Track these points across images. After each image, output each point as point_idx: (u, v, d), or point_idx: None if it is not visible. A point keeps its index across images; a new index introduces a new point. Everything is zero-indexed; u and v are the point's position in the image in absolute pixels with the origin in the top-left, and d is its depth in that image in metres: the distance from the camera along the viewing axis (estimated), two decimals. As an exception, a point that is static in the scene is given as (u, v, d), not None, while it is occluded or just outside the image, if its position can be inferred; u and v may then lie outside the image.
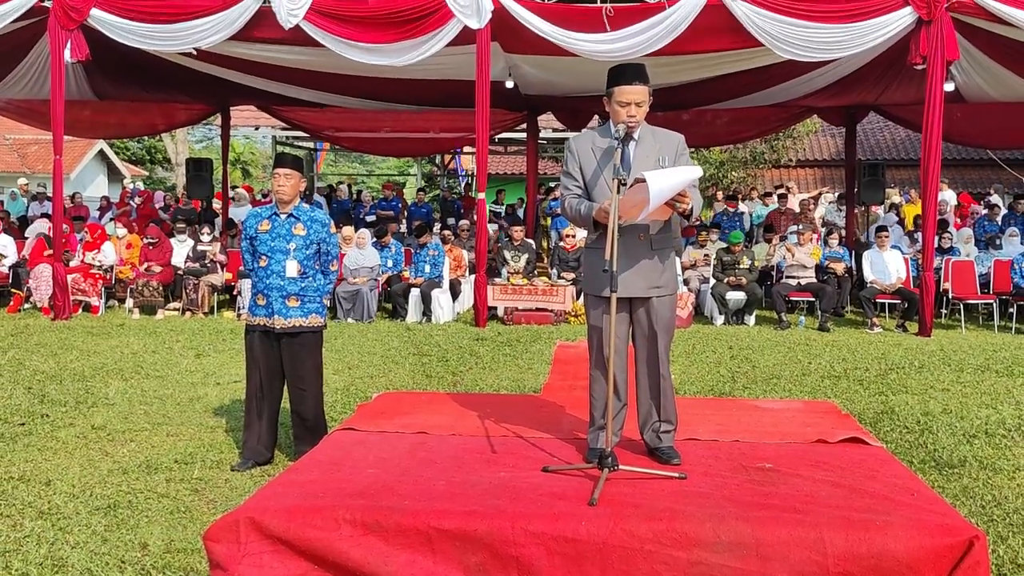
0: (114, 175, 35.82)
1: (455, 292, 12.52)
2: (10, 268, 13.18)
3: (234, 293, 12.61)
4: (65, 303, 11.90)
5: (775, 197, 17.20)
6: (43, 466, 5.38)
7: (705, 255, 13.01)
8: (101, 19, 11.65)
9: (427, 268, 12.29)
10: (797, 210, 16.11)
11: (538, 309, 11.78)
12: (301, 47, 12.06)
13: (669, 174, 3.68)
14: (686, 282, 12.72)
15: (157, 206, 19.04)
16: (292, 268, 5.29)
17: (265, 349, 5.36)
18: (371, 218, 17.33)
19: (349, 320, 11.82)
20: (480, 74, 11.45)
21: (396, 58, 11.67)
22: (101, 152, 34.90)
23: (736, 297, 11.96)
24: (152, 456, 5.56)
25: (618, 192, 3.68)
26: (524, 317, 11.69)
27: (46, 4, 11.68)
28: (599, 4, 11.25)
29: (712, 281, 12.36)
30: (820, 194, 19.85)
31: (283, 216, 5.35)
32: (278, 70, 14.06)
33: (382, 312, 12.67)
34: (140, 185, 25.22)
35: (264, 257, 5.33)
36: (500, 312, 11.93)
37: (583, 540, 3.31)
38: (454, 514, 3.40)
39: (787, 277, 12.23)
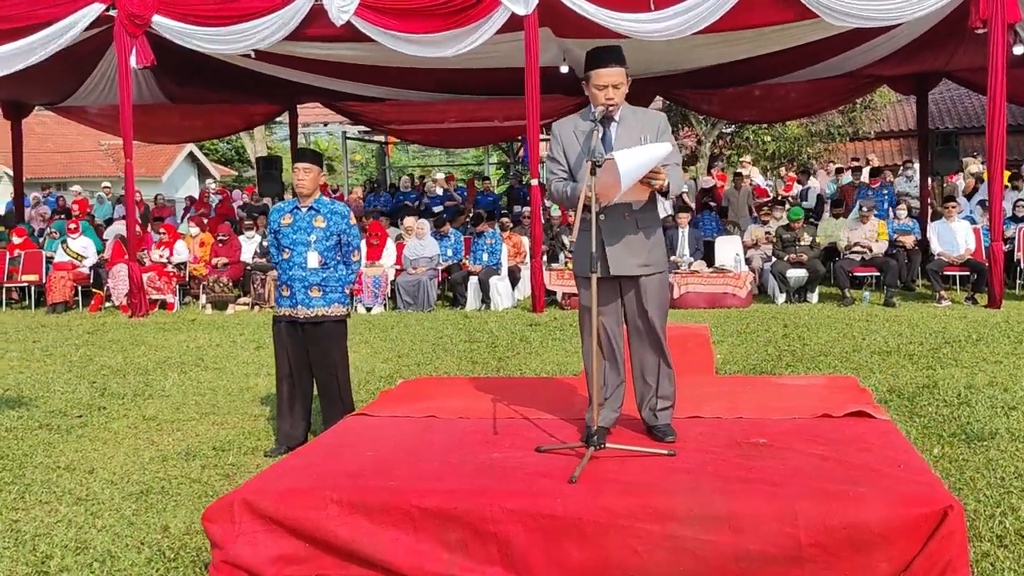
0: (205, 176, 37.01)
1: (514, 279, 12.62)
2: (91, 269, 13.76)
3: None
4: (141, 301, 12.39)
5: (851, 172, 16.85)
6: (90, 455, 5.67)
7: (767, 233, 12.82)
8: (163, 24, 12.06)
9: (485, 256, 12.41)
10: (868, 182, 15.72)
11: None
12: (355, 43, 12.27)
13: (637, 152, 3.70)
14: (748, 261, 12.57)
15: (235, 204, 19.60)
16: (313, 259, 5.46)
17: (291, 338, 5.55)
18: (438, 208, 17.55)
19: (409, 310, 12.02)
20: (529, 60, 11.50)
21: (445, 49, 11.80)
22: (191, 154, 36.20)
23: (797, 275, 11.77)
24: (193, 444, 5.80)
25: (592, 174, 3.72)
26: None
27: (112, 13, 12.14)
28: (644, -16, 11.18)
29: (773, 259, 12.18)
30: (903, 164, 19.29)
31: (304, 209, 5.52)
32: (338, 67, 14.35)
33: (443, 301, 12.85)
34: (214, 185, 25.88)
35: (287, 250, 5.51)
36: (559, 297, 11.98)
37: (560, 516, 3.37)
38: (436, 493, 3.50)
39: (851, 252, 11.98)
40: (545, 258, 12.70)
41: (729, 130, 24.02)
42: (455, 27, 11.64)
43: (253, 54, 12.35)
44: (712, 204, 16.43)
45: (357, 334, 10.26)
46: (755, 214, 14.59)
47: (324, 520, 3.48)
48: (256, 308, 12.65)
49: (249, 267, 12.96)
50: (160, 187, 28.37)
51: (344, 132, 21.74)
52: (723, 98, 16.74)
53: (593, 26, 11.53)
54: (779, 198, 15.34)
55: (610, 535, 3.33)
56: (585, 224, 4.11)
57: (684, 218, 12.71)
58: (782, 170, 18.36)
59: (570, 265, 11.83)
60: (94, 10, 12.11)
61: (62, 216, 18.43)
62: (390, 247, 12.67)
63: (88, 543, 4.13)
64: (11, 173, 29.67)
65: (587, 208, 3.95)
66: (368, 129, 20.67)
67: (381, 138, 22.42)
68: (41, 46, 12.18)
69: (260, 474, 3.91)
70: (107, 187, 20.46)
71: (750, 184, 16.52)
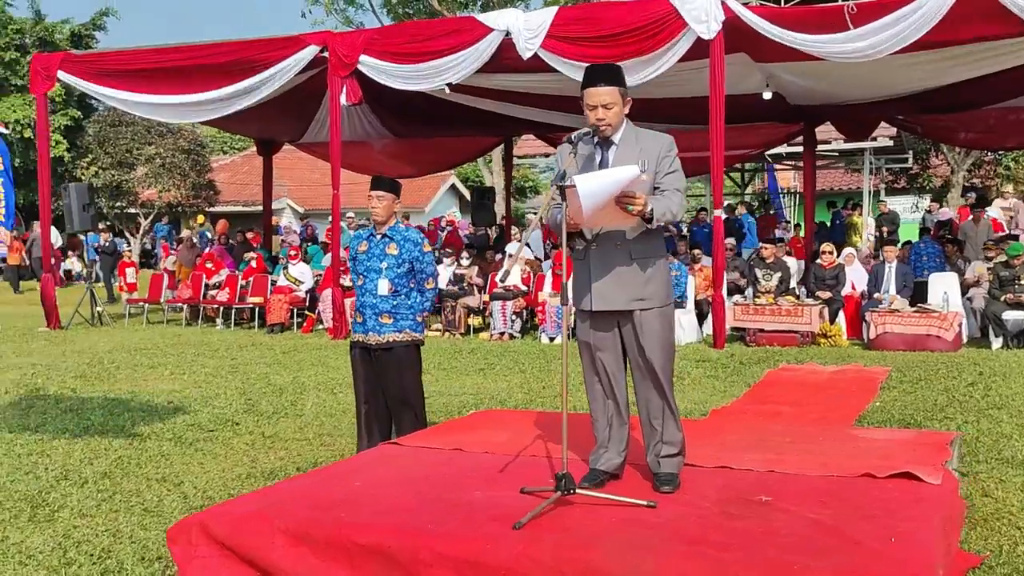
0: (465, 205, 38.79)
1: (703, 313, 12.14)
2: (307, 292, 14.69)
3: (486, 315, 13.13)
4: (342, 324, 13.05)
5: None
6: (192, 469, 5.98)
7: (989, 270, 11.55)
8: (369, 64, 12.70)
9: (670, 288, 12.02)
10: None
11: (783, 331, 11.10)
12: (545, 73, 12.35)
13: (600, 175, 3.46)
14: (969, 299, 11.39)
15: (463, 233, 20.28)
16: (383, 287, 5.50)
17: (364, 364, 5.61)
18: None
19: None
20: (714, 87, 11.11)
21: (630, 77, 11.58)
22: (453, 185, 38.17)
23: (1015, 317, 10.49)
24: (283, 464, 5.99)
25: (564, 200, 3.49)
26: (767, 339, 11.08)
27: (325, 55, 12.96)
28: (839, 3, 10.47)
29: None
30: None
31: (379, 236, 5.58)
32: (543, 99, 14.51)
33: (630, 333, 12.55)
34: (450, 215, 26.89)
35: (361, 276, 5.59)
36: (748, 334, 11.38)
37: (485, 564, 3.18)
38: (377, 530, 3.39)
39: (1087, 293, 10.53)
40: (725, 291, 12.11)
41: (988, 157, 21.93)
42: (639, 55, 11.44)
43: (448, 89, 12.72)
44: (948, 237, 15.04)
45: (519, 362, 10.26)
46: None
47: (270, 550, 3.47)
48: (447, 334, 12.96)
49: (442, 293, 13.32)
50: (424, 217, 30.13)
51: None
52: (932, 123, 15.30)
53: (793, 50, 10.95)
54: (1013, 233, 13.78)
55: (533, 589, 3.08)
56: (578, 254, 3.87)
57: (891, 252, 11.71)
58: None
59: (756, 300, 11.26)
60: (309, 52, 12.98)
61: (309, 243, 19.89)
62: (575, 278, 12.56)
63: (109, 550, 4.35)
64: (294, 206, 32.70)
65: (582, 237, 3.74)
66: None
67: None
68: (263, 87, 13.19)
69: (235, 498, 3.96)
70: (351, 217, 21.83)
71: (987, 217, 14.98)
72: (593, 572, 3.01)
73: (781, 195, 25.77)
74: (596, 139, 3.87)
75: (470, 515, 3.51)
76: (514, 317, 12.57)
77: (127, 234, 29.46)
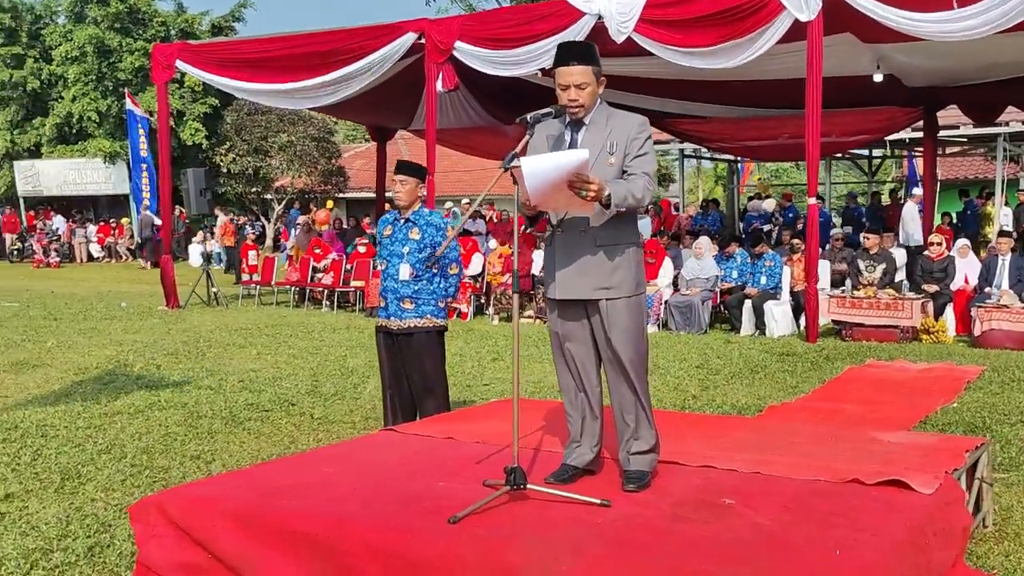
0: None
1: (800, 305, 11.63)
2: (406, 278, 14.85)
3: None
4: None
5: None
6: (230, 448, 6.10)
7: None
8: (463, 50, 12.71)
9: (763, 279, 11.59)
10: None
11: (882, 326, 10.53)
12: (639, 57, 12.07)
13: (546, 158, 3.31)
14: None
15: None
16: (404, 271, 5.45)
17: (388, 349, 5.59)
18: (768, 226, 16.72)
19: (681, 332, 11.56)
20: (811, 71, 10.60)
21: (725, 60, 11.22)
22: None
23: None
24: (317, 446, 6.03)
25: (515, 183, 3.35)
26: (864, 334, 10.53)
27: (422, 42, 13.04)
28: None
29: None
30: None
31: (402, 221, 5.54)
32: (637, 83, 14.19)
33: (724, 325, 12.18)
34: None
35: (384, 261, 5.56)
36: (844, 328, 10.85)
37: (410, 558, 3.09)
38: (313, 518, 3.35)
39: None
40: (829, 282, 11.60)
41: None
42: (736, 37, 11.03)
43: (540, 74, 12.59)
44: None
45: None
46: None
47: (216, 532, 3.47)
48: (538, 321, 12.87)
49: (534, 279, 13.24)
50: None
51: (682, 151, 21.43)
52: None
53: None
54: None
55: (453, 585, 2.98)
56: (547, 240, 3.72)
57: (1005, 243, 10.94)
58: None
59: (855, 293, 10.76)
60: (407, 39, 13.08)
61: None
62: (667, 266, 12.26)
63: (107, 523, 4.47)
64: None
65: (549, 223, 3.60)
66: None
67: (730, 156, 21.73)
68: (363, 74, 13.38)
69: (198, 480, 3.99)
70: (466, 203, 22.04)
71: None
72: (507, 572, 2.89)
73: (920, 183, 24.46)
74: (568, 120, 3.71)
75: (415, 506, 3.41)
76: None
77: (262, 219, 30.62)
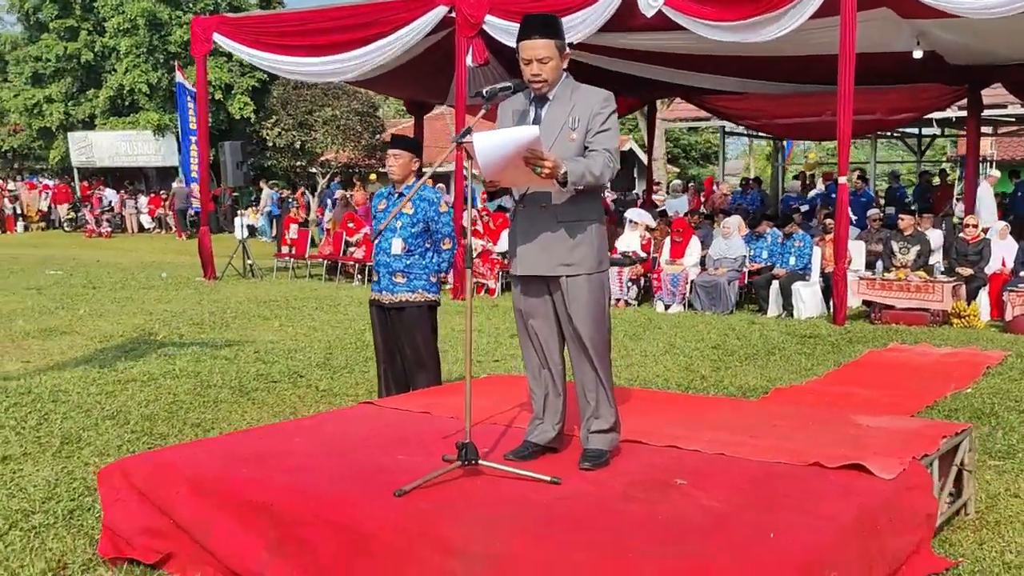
0: (642, 171, 38.33)
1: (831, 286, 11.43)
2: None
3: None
4: (461, 284, 13.14)
5: None
6: (231, 417, 6.18)
7: None
8: (493, 23, 12.63)
9: (792, 259, 11.42)
10: None
11: (912, 309, 10.31)
12: (670, 32, 11.90)
13: (498, 134, 3.27)
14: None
15: (610, 198, 19.98)
16: (396, 245, 5.45)
17: (380, 323, 5.60)
18: (805, 207, 16.42)
19: (707, 312, 11.43)
20: (844, 46, 10.35)
21: (758, 34, 11.01)
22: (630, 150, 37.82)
23: None
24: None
25: (468, 159, 3.32)
26: (893, 316, 10.32)
27: (453, 15, 12.98)
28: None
29: None
30: None
31: (396, 195, 5.53)
32: (678, 59, 14.01)
33: (752, 306, 12.02)
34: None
35: (377, 234, 5.56)
36: (874, 310, 10.65)
37: (357, 530, 3.10)
38: (268, 488, 3.37)
39: None
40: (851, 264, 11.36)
41: None
42: (769, 10, 10.82)
43: (569, 48, 12.45)
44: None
45: (626, 330, 9.94)
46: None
47: (174, 498, 3.51)
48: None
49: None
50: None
51: (723, 128, 21.13)
52: None
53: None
54: None
55: (394, 556, 2.99)
56: (512, 215, 3.69)
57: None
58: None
59: (885, 275, 10.57)
60: (438, 13, 13.04)
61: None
62: (694, 245, 12.13)
63: (91, 491, 4.54)
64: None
65: (495, 193, 3.57)
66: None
67: (768, 134, 21.41)
68: (394, 47, 13.38)
69: (166, 447, 4.04)
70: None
71: None
72: (443, 546, 2.88)
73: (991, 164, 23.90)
74: (532, 95, 3.66)
75: (369, 479, 3.43)
76: (630, 284, 12.27)
77: (308, 193, 30.85)
